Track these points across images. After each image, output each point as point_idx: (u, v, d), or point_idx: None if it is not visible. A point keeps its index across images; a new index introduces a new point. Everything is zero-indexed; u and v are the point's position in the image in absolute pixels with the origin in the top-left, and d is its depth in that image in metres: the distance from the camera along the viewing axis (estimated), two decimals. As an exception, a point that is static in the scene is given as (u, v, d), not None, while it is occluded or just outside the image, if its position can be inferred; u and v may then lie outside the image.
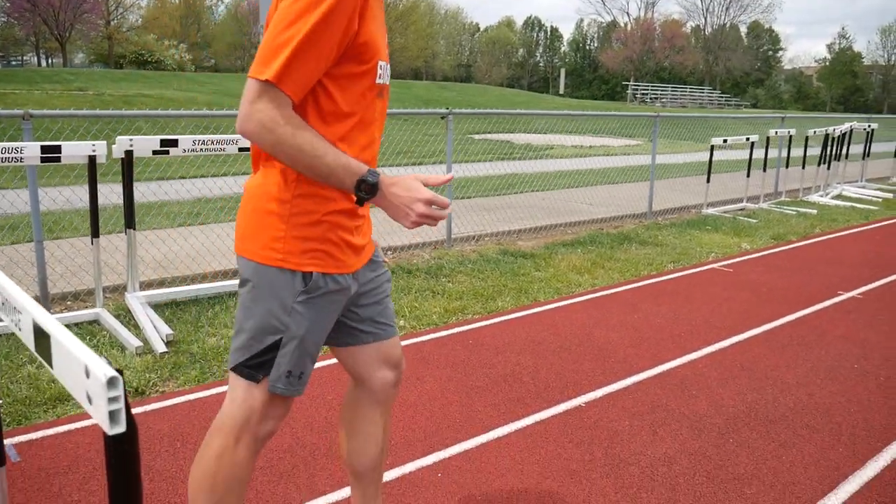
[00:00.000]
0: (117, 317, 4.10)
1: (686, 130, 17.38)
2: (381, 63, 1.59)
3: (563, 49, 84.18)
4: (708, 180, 8.88)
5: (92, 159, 3.97)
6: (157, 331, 3.85)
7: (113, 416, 0.85)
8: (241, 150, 4.44)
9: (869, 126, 11.95)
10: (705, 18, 72.21)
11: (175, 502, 2.38)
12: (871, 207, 9.68)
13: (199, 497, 1.68)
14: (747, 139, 9.14)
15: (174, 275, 4.96)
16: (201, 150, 4.29)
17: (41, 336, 1.02)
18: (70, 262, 5.06)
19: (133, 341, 3.70)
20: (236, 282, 4.76)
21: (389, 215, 1.57)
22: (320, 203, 1.58)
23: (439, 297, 4.81)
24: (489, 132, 19.51)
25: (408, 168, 10.60)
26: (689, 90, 56.18)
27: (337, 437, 2.85)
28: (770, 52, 74.16)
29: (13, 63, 54.58)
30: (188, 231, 6.25)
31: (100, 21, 47.44)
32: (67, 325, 3.80)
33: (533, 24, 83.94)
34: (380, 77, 1.60)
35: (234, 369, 1.66)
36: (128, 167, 4.16)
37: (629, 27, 73.83)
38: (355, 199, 1.55)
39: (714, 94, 57.50)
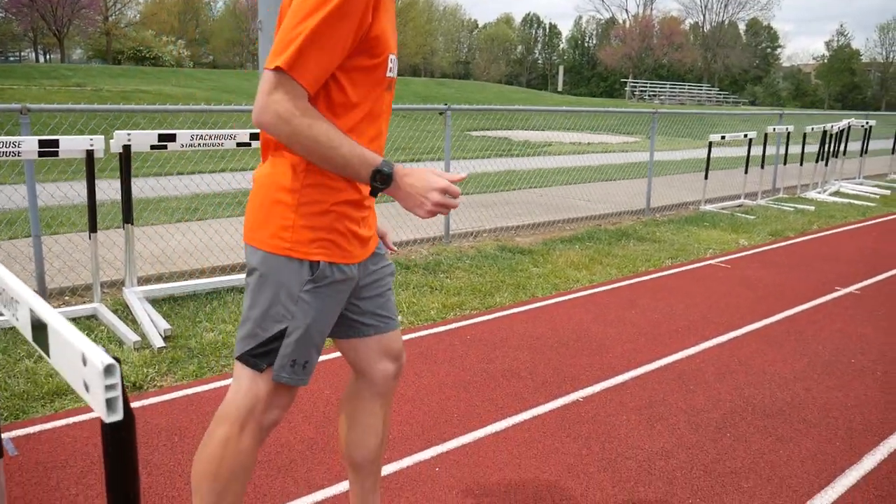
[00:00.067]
0: (115, 312, 4.09)
1: (684, 127, 17.38)
2: (391, 56, 1.61)
3: (561, 46, 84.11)
4: (706, 177, 8.88)
5: (90, 154, 3.96)
6: (154, 326, 3.85)
7: (110, 403, 0.85)
8: (238, 145, 4.44)
9: (867, 123, 11.96)
10: (704, 15, 72.24)
11: (173, 496, 2.38)
12: (869, 204, 9.69)
13: (202, 485, 1.68)
14: (745, 136, 9.14)
15: (172, 270, 4.95)
16: (199, 144, 4.28)
17: (38, 326, 1.02)
18: (68, 257, 5.05)
19: (131, 336, 3.70)
20: (235, 277, 4.77)
21: (404, 206, 1.59)
22: (328, 193, 1.59)
23: (437, 292, 4.82)
24: (487, 129, 19.50)
25: (406, 165, 10.59)
26: (687, 87, 56.18)
27: (335, 431, 2.85)
28: (768, 50, 74.15)
29: (11, 59, 54.45)
30: (186, 226, 6.25)
31: (98, 17, 47.33)
32: (65, 320, 3.79)
33: (531, 20, 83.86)
34: (389, 70, 1.63)
35: (240, 358, 1.67)
36: (126, 162, 4.16)
37: (628, 24, 73.79)
38: (370, 189, 1.56)
39: (712, 92, 57.51)
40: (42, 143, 3.81)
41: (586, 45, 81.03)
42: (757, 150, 9.54)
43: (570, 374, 3.53)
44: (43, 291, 4.32)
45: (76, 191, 5.53)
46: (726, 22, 70.45)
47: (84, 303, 4.28)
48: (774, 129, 9.82)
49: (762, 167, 9.62)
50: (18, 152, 3.76)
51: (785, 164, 10.31)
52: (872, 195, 10.55)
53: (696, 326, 4.31)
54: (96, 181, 4.09)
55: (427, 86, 37.79)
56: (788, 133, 10.09)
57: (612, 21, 77.73)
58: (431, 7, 72.08)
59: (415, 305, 4.51)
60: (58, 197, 6.18)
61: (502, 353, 3.77)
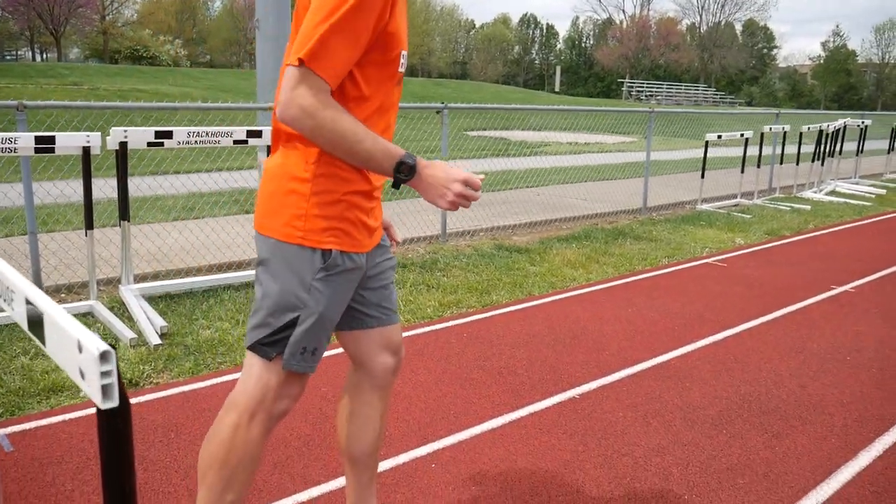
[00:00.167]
0: (111, 309, 4.09)
1: (681, 127, 17.41)
2: (402, 52, 1.65)
3: (558, 46, 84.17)
4: (702, 176, 8.89)
5: (86, 150, 3.96)
6: (151, 323, 3.85)
7: (105, 390, 0.85)
8: (235, 142, 4.43)
9: (862, 123, 11.99)
10: (701, 16, 72.31)
11: (169, 491, 2.38)
12: (865, 203, 9.72)
13: (210, 472, 1.69)
14: (741, 135, 9.16)
15: (168, 268, 4.95)
16: (196, 142, 4.28)
17: (34, 315, 1.02)
18: (64, 255, 5.04)
19: (127, 333, 3.69)
20: (231, 275, 4.76)
21: (426, 197, 1.61)
22: (340, 183, 1.61)
23: (434, 290, 4.82)
24: (484, 129, 19.50)
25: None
26: (684, 88, 56.25)
27: (332, 428, 2.85)
28: (765, 50, 74.29)
29: (7, 57, 54.33)
30: (183, 224, 6.24)
31: (95, 16, 47.27)
32: (61, 317, 3.78)
33: (529, 21, 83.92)
34: (401, 66, 1.66)
35: (251, 348, 1.68)
36: (122, 159, 4.15)
37: (625, 25, 73.85)
38: (392, 181, 1.58)
39: (709, 92, 57.61)
40: (38, 140, 3.81)
41: (583, 45, 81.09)
42: (753, 150, 9.56)
43: (567, 371, 3.53)
44: (39, 288, 4.31)
45: (73, 188, 5.52)
46: (723, 22, 70.58)
47: (80, 300, 4.28)
48: (771, 129, 9.84)
49: (758, 167, 9.63)
50: (14, 149, 3.75)
51: (781, 163, 10.33)
52: (868, 194, 10.57)
53: (693, 324, 4.32)
54: (93, 180, 4.08)
55: (424, 86, 37.79)
56: (785, 133, 10.11)
57: (608, 21, 77.82)
58: (429, 7, 72.10)
59: (412, 303, 4.51)
60: (54, 195, 6.17)
61: (499, 351, 3.77)
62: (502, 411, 3.06)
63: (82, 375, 0.89)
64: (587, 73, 77.52)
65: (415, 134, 13.40)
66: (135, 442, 2.69)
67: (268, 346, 1.66)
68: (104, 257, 5.06)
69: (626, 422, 3.00)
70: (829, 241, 7.05)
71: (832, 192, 10.66)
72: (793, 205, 9.24)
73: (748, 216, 8.29)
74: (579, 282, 5.22)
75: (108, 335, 3.77)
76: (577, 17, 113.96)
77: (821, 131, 10.37)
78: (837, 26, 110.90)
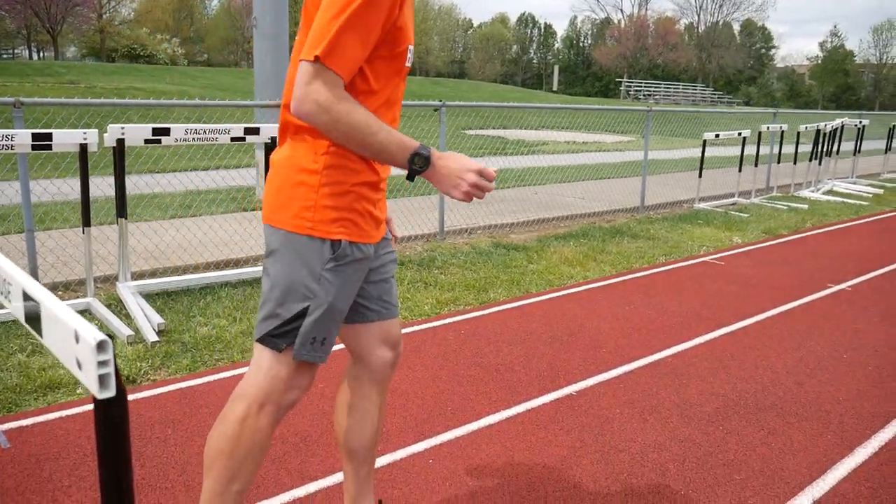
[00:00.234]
0: (108, 306, 4.08)
1: (679, 126, 17.42)
2: (410, 47, 1.67)
3: (556, 46, 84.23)
4: (700, 175, 8.90)
5: (83, 147, 3.95)
6: (148, 320, 3.84)
7: (102, 379, 0.85)
8: (233, 139, 4.43)
9: (860, 122, 12.01)
10: (699, 16, 72.38)
11: (166, 487, 2.38)
12: (862, 203, 9.73)
13: (217, 462, 1.69)
14: (739, 134, 9.17)
15: (166, 265, 4.95)
16: (193, 139, 4.27)
17: (31, 306, 1.02)
18: (61, 252, 5.03)
19: (124, 330, 3.69)
20: (228, 272, 4.76)
21: (440, 188, 1.63)
22: (348, 174, 1.63)
23: (431, 288, 4.82)
24: (482, 128, 19.50)
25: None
26: (682, 87, 56.30)
27: (330, 424, 2.85)
28: (763, 50, 74.38)
29: (4, 56, 54.21)
30: (180, 222, 6.23)
31: (91, 14, 47.19)
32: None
33: (527, 20, 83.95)
34: (408, 61, 1.69)
35: (261, 340, 1.68)
36: (119, 156, 4.14)
37: (623, 24, 73.90)
38: (407, 173, 1.60)
39: (707, 92, 57.66)
40: (35, 137, 3.80)
41: (581, 44, 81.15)
42: (751, 150, 9.57)
43: (564, 368, 3.54)
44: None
45: (70, 185, 5.52)
46: (721, 22, 70.66)
47: (77, 297, 4.27)
48: (768, 128, 9.85)
49: (756, 166, 9.65)
50: (12, 146, 3.74)
51: (779, 162, 10.34)
52: (865, 194, 10.59)
53: (690, 322, 4.32)
54: (90, 178, 4.07)
55: (422, 85, 37.79)
56: (782, 132, 10.13)
57: (607, 21, 77.88)
58: (427, 6, 72.08)
59: (409, 301, 4.51)
60: (51, 192, 6.16)
61: (496, 348, 3.77)
62: (499, 408, 3.06)
63: (79, 366, 0.89)
64: (585, 72, 77.57)
65: (412, 132, 13.35)
66: (132, 438, 2.69)
67: (277, 337, 1.66)
68: (101, 255, 5.06)
69: (623, 418, 3.01)
70: (827, 241, 7.06)
71: (829, 192, 10.68)
72: (790, 204, 9.26)
73: (745, 215, 8.30)
74: (577, 280, 5.23)
75: (105, 332, 3.76)
76: (576, 17, 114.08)
77: (818, 131, 10.38)
78: (835, 26, 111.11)
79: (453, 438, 2.78)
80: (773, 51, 76.16)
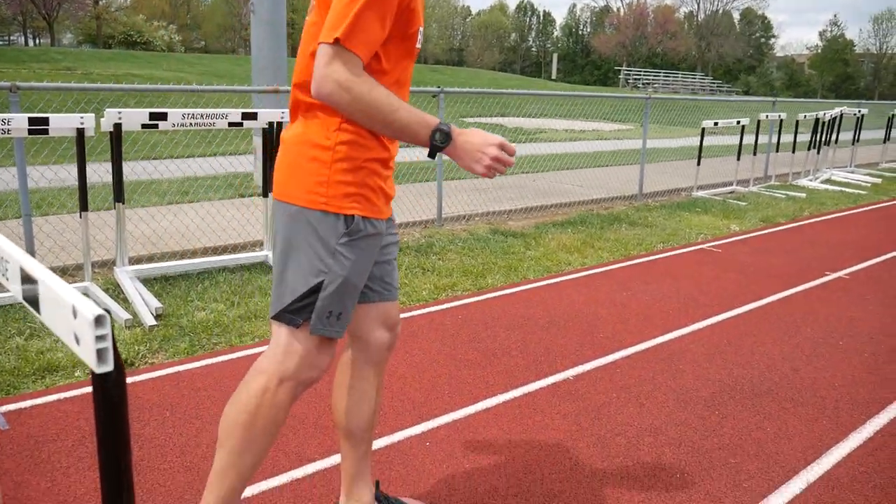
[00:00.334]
0: (106, 291, 4.08)
1: (677, 115, 17.40)
2: (420, 28, 1.69)
3: (555, 34, 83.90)
4: (698, 163, 8.90)
5: (80, 132, 3.94)
6: (146, 304, 3.85)
7: (100, 354, 0.85)
8: (230, 124, 4.41)
9: (859, 111, 12.00)
10: (698, 4, 72.10)
11: (164, 468, 2.39)
12: (860, 192, 9.74)
13: (234, 433, 1.71)
14: (738, 122, 9.16)
15: (164, 251, 4.94)
16: (191, 124, 4.26)
17: (28, 281, 1.02)
18: (59, 237, 5.03)
19: (122, 314, 3.69)
20: (226, 257, 4.76)
21: (461, 164, 1.63)
22: (360, 150, 1.64)
23: (429, 274, 4.82)
24: (481, 116, 19.46)
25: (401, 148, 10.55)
26: (681, 76, 56.15)
27: (327, 407, 2.86)
28: (762, 39, 74.14)
29: (0, 42, 53.88)
30: (178, 208, 6.23)
31: (88, 1, 46.88)
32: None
33: (525, 8, 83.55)
34: (418, 42, 1.70)
35: (277, 317, 1.69)
36: (116, 141, 4.13)
37: (622, 12, 73.60)
38: (429, 150, 1.61)
39: (706, 81, 57.50)
40: (32, 121, 3.79)
41: (580, 32, 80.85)
42: (749, 138, 9.56)
43: (561, 353, 3.55)
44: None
45: (67, 171, 5.51)
46: (720, 11, 70.40)
47: (75, 282, 4.27)
48: (767, 117, 9.84)
49: (754, 154, 9.65)
50: (8, 130, 3.73)
51: (777, 151, 10.34)
52: (863, 183, 10.60)
53: (687, 308, 4.34)
54: (87, 164, 4.06)
55: (420, 72, 37.64)
56: (781, 121, 10.11)
57: (606, 9, 77.56)
58: (425, -7, 71.61)
59: (407, 286, 4.51)
60: (48, 178, 6.15)
61: (493, 333, 3.78)
62: (496, 392, 3.08)
63: (77, 341, 0.90)
64: (584, 60, 77.31)
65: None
66: (130, 421, 2.70)
67: (293, 312, 1.68)
68: (99, 240, 5.05)
69: (620, 403, 3.02)
70: (824, 229, 7.07)
71: (828, 181, 10.68)
72: (788, 192, 9.26)
73: (743, 203, 8.31)
74: (574, 266, 5.24)
75: (103, 316, 3.77)
76: (574, 5, 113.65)
77: (817, 120, 10.37)
78: (835, 16, 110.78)
79: (450, 421, 2.79)
80: (773, 40, 75.97)
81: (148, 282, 4.31)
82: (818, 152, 10.68)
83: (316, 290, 1.66)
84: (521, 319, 4.02)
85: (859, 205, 8.69)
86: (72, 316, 0.90)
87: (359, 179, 1.65)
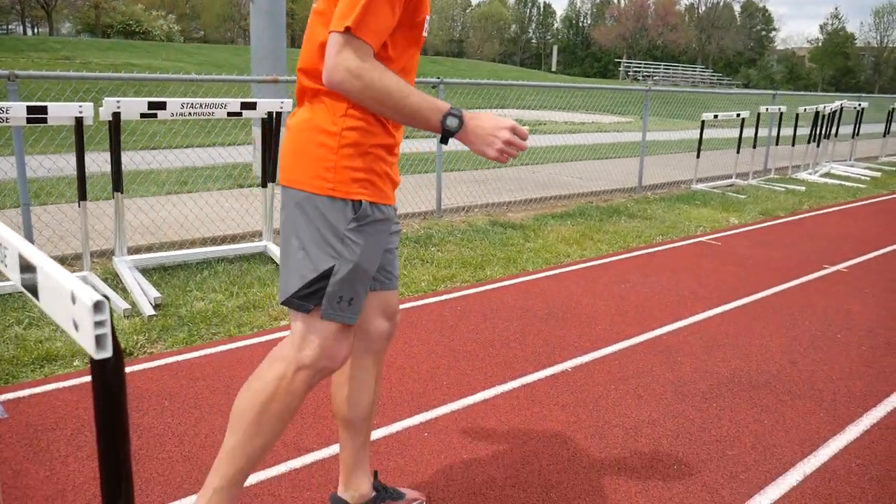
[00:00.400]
0: (105, 280, 4.08)
1: (677, 107, 17.37)
2: (427, 17, 1.69)
3: (555, 25, 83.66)
4: (698, 156, 8.89)
5: (79, 121, 3.92)
6: (144, 294, 3.85)
7: (99, 340, 0.85)
8: (229, 114, 4.40)
9: (859, 105, 11.98)
10: (699, -4, 71.83)
11: (163, 458, 2.39)
12: (860, 185, 9.74)
13: (246, 416, 1.71)
14: (738, 115, 9.14)
15: (162, 241, 4.94)
16: (189, 113, 4.25)
17: (27, 268, 1.02)
18: (57, 226, 5.02)
19: (121, 304, 3.69)
20: (225, 247, 4.76)
21: (473, 149, 1.63)
22: (366, 136, 1.65)
23: (428, 265, 4.82)
24: (480, 107, 19.41)
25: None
26: (681, 69, 56.02)
27: (325, 397, 2.86)
28: (763, 32, 73.98)
29: (-2, 31, 53.64)
30: (177, 198, 6.22)
31: (86, -11, 46.64)
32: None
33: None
34: (425, 30, 1.71)
35: (287, 303, 1.70)
36: (115, 130, 4.12)
37: (623, 4, 73.37)
38: (441, 135, 1.61)
39: (706, 73, 57.38)
40: (30, 110, 3.78)
41: (581, 24, 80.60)
42: (749, 131, 9.55)
43: (560, 344, 3.55)
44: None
45: (66, 160, 5.50)
46: (721, 3, 70.18)
47: (74, 272, 4.27)
48: (767, 110, 9.83)
49: (754, 147, 9.63)
50: (6, 118, 3.72)
51: (777, 144, 10.33)
52: (863, 177, 10.59)
53: (686, 301, 4.34)
54: (85, 154, 4.05)
55: (420, 63, 37.39)
56: (781, 114, 10.10)
57: (606, 1, 77.27)
58: (425, -16, 71.33)
59: (406, 277, 4.51)
60: (46, 167, 6.14)
61: (492, 324, 3.79)
62: (495, 383, 3.08)
63: (76, 327, 0.89)
64: (584, 52, 77.10)
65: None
66: (129, 410, 2.70)
67: (303, 298, 1.68)
68: (98, 229, 5.05)
69: (618, 394, 3.03)
70: (823, 222, 7.08)
71: (827, 174, 10.67)
72: (787, 186, 9.26)
73: (743, 196, 8.30)
74: (573, 258, 5.24)
75: (101, 306, 3.76)
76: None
77: (817, 113, 10.36)
78: (836, 9, 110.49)
79: (449, 412, 2.80)
80: (774, 33, 75.82)
81: (147, 272, 4.30)
82: (818, 146, 10.67)
83: (326, 275, 1.66)
84: (520, 311, 4.02)
85: (858, 198, 8.69)
86: (70, 302, 0.90)
87: (366, 165, 1.65)
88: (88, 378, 2.92)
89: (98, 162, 6.19)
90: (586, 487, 2.33)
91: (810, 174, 10.38)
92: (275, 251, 4.71)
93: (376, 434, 2.60)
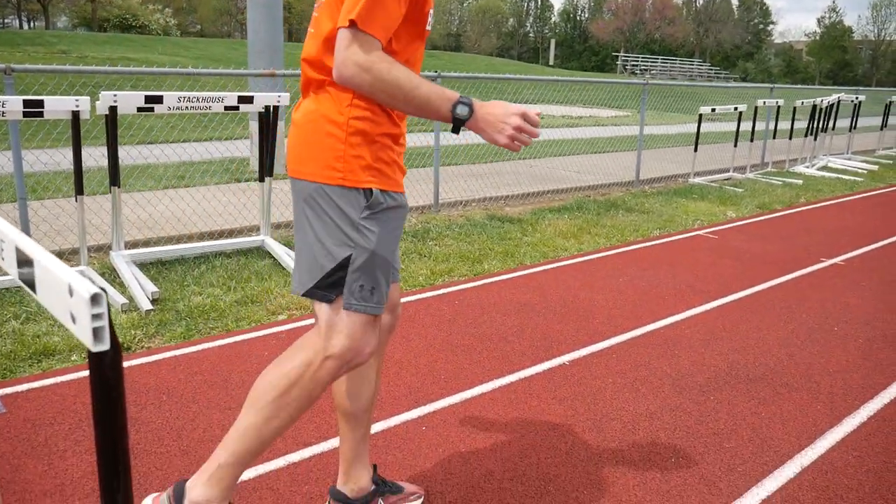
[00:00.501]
0: (102, 275, 4.08)
1: (675, 101, 17.36)
2: (430, 10, 1.70)
3: (553, 19, 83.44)
4: (695, 150, 8.89)
5: (75, 115, 3.91)
6: (142, 289, 3.84)
7: (97, 333, 0.85)
8: (226, 108, 4.39)
9: (856, 98, 11.98)
10: (697, -10, 71.66)
11: (161, 452, 2.39)
12: (857, 179, 9.75)
13: (267, 396, 1.72)
14: (735, 108, 9.14)
15: (160, 235, 4.93)
16: (186, 107, 4.24)
17: (24, 261, 1.02)
18: (54, 221, 5.01)
19: (118, 299, 3.69)
20: (223, 242, 4.75)
21: (484, 137, 1.64)
22: (372, 125, 1.65)
23: (426, 259, 4.82)
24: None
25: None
26: (679, 62, 55.95)
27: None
28: (761, 26, 73.85)
29: (-6, 25, 53.41)
30: (174, 192, 6.21)
31: (82, -17, 46.44)
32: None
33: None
34: (429, 24, 1.71)
35: (309, 294, 1.70)
36: (112, 124, 4.11)
37: (620, -2, 73.14)
38: (452, 125, 1.61)
39: (704, 67, 57.31)
40: (27, 104, 3.76)
41: (578, 18, 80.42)
42: (747, 125, 9.55)
43: (557, 338, 3.55)
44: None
45: (62, 154, 5.48)
46: (719, -3, 69.99)
47: (71, 267, 4.25)
48: (765, 103, 9.82)
49: (752, 141, 9.63)
50: (3, 112, 3.70)
51: (774, 138, 10.33)
52: (860, 170, 10.60)
53: (683, 294, 4.34)
54: (82, 148, 4.04)
55: (417, 58, 37.34)
56: (778, 107, 10.09)
57: (604, -6, 77.03)
58: (423, -22, 71.10)
59: (403, 272, 4.51)
60: (44, 159, 6.12)
61: (490, 318, 3.79)
62: (493, 376, 3.08)
63: (73, 319, 0.89)
64: (582, 46, 76.94)
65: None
66: (127, 405, 2.70)
67: (324, 288, 1.68)
68: (95, 224, 5.04)
69: (616, 388, 3.03)
70: (820, 216, 7.08)
71: (824, 168, 10.68)
72: (785, 179, 9.26)
73: (740, 190, 8.31)
74: (571, 252, 5.24)
75: (99, 300, 3.76)
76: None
77: (814, 106, 10.36)
78: (834, 2, 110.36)
79: (447, 406, 2.80)
80: (771, 26, 75.70)
81: (144, 266, 4.30)
82: (815, 139, 10.67)
83: (344, 265, 1.66)
84: (518, 305, 4.02)
85: (855, 192, 8.70)
86: (68, 295, 0.90)
87: (374, 153, 1.66)
88: (86, 373, 2.92)
89: (95, 156, 6.19)
90: (584, 480, 2.34)
91: (807, 168, 10.38)
92: (273, 245, 4.71)
93: (374, 428, 2.60)
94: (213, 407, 2.70)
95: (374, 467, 2.11)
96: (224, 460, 1.74)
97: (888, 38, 70.27)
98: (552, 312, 3.92)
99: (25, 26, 53.24)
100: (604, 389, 3.01)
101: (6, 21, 56.29)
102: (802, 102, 10.26)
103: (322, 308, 1.71)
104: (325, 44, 1.64)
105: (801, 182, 9.10)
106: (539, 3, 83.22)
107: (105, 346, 0.86)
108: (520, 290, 4.29)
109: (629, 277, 4.65)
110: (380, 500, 2.08)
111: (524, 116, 1.61)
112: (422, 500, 2.17)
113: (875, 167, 10.94)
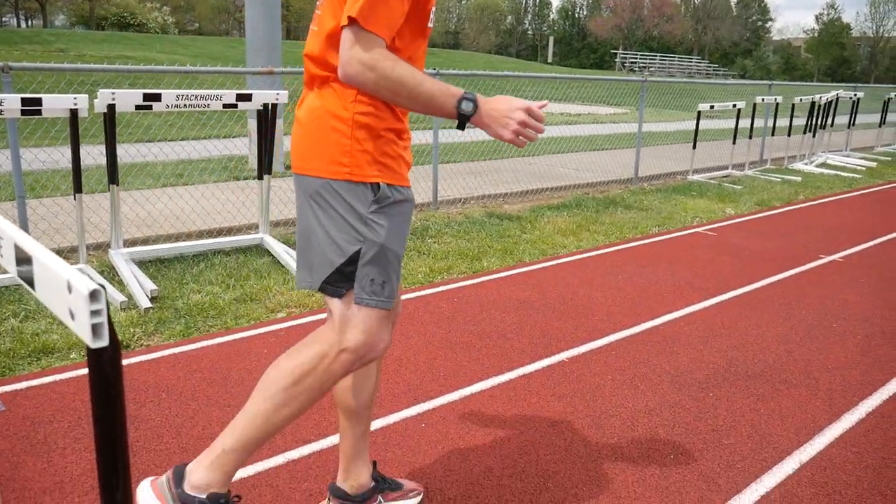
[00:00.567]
0: (101, 273, 4.08)
1: (673, 98, 17.35)
2: (433, 8, 1.70)
3: (551, 17, 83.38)
4: (694, 147, 8.89)
5: (74, 113, 3.91)
6: (141, 287, 3.84)
7: (96, 329, 0.85)
8: (225, 106, 4.38)
9: (855, 95, 11.98)
10: (695, -13, 71.62)
11: (160, 449, 2.39)
12: (855, 176, 9.75)
13: (279, 383, 1.72)
14: (734, 106, 9.14)
15: (158, 233, 4.93)
16: (185, 105, 4.23)
17: (23, 258, 1.02)
18: (53, 219, 5.00)
19: (117, 297, 3.69)
20: (222, 240, 4.75)
21: (489, 132, 1.64)
22: (377, 120, 1.66)
23: (425, 256, 4.82)
24: (477, 99, 19.33)
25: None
26: (677, 59, 55.94)
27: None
28: (759, 23, 73.84)
29: (-9, 23, 53.32)
30: (173, 190, 6.20)
31: (80, -19, 46.35)
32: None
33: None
34: (431, 21, 1.71)
35: (321, 290, 1.70)
36: (110, 122, 4.10)
37: (619, -5, 73.08)
38: (457, 122, 1.61)
39: (702, 64, 57.31)
40: (25, 102, 3.75)
41: (577, 15, 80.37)
42: (745, 122, 9.55)
43: (556, 335, 3.56)
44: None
45: (60, 152, 5.48)
46: (717, -6, 69.94)
47: (70, 264, 4.25)
48: (763, 100, 9.82)
49: (750, 138, 9.64)
50: (1, 110, 3.70)
51: (773, 135, 10.33)
52: (859, 167, 10.60)
53: (682, 291, 4.35)
54: (80, 146, 4.03)
55: (416, 55, 37.29)
56: (777, 104, 10.09)
57: (602, -8, 76.96)
58: (421, -25, 71.02)
59: (402, 269, 4.51)
60: (42, 157, 6.11)
61: (489, 316, 3.79)
62: (492, 374, 3.09)
63: (72, 316, 0.89)
64: (580, 44, 76.90)
65: (406, 103, 13.28)
66: (126, 403, 2.70)
67: (334, 283, 1.69)
68: (93, 222, 5.04)
69: (615, 384, 3.04)
70: (819, 213, 7.09)
71: (823, 165, 10.68)
72: (783, 176, 9.27)
73: (739, 187, 8.31)
74: (570, 249, 5.24)
75: (98, 299, 3.76)
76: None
77: (813, 103, 10.36)
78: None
79: (446, 403, 2.80)
80: (770, 23, 75.67)
81: (143, 264, 4.30)
82: (814, 136, 10.67)
83: (354, 259, 1.67)
84: (517, 302, 4.02)
85: (854, 188, 8.71)
86: (67, 291, 0.90)
87: (379, 148, 1.66)
88: (85, 370, 2.92)
89: (93, 154, 6.18)
90: (583, 477, 2.34)
91: (806, 164, 10.39)
92: (272, 243, 4.71)
93: (374, 425, 2.60)
94: (212, 404, 2.70)
95: (374, 464, 2.11)
96: (229, 445, 1.74)
97: (886, 35, 70.27)
98: (551, 310, 3.93)
99: (23, 24, 53.16)
100: (603, 386, 3.01)
101: (4, 19, 56.21)
102: (801, 99, 10.26)
103: (334, 303, 1.71)
104: (327, 41, 1.65)
105: (799, 179, 9.10)
106: (537, 0, 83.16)
107: (104, 342, 0.86)
108: (519, 287, 4.30)
109: (628, 274, 4.65)
110: (379, 497, 2.08)
111: (529, 111, 1.60)
112: (421, 496, 2.17)
113: (873, 164, 10.95)
